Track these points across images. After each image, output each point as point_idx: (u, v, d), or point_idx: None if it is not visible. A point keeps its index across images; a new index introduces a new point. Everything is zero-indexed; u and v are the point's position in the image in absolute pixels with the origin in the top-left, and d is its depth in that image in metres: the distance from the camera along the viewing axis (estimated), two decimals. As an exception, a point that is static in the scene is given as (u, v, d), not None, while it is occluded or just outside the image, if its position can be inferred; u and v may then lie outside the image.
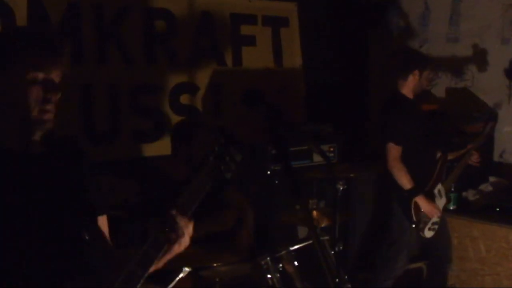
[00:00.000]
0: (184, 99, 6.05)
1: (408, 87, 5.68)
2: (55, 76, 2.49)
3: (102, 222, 2.76)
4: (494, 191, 6.53)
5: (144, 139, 5.78)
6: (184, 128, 5.04)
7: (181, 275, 3.76)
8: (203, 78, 6.18)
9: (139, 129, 5.75)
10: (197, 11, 6.12)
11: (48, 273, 2.41)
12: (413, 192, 5.60)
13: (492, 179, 6.59)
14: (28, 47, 2.44)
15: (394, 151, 5.55)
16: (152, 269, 2.43)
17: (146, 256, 2.41)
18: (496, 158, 6.68)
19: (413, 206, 5.62)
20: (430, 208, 5.63)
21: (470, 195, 6.58)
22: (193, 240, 3.74)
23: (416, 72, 5.64)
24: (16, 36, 2.53)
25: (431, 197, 5.72)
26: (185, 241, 2.51)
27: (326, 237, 4.63)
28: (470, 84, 6.90)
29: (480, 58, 6.80)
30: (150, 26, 5.82)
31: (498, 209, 6.30)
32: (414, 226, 5.66)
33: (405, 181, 5.58)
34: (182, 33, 6.01)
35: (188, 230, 2.50)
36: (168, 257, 2.53)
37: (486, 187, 6.57)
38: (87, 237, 2.54)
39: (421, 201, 5.62)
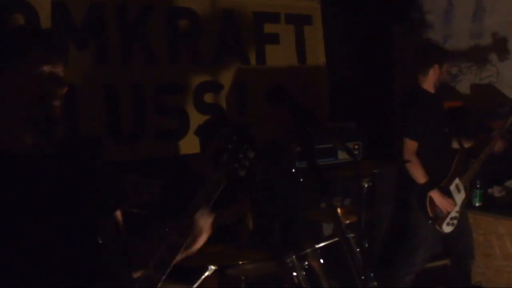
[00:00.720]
0: (208, 98, 6.06)
1: (429, 81, 5.69)
2: (60, 70, 2.50)
3: (118, 217, 2.78)
4: (520, 187, 6.51)
5: (168, 138, 5.80)
6: (210, 126, 5.06)
7: (206, 274, 3.78)
8: (227, 76, 6.19)
9: (163, 129, 5.76)
10: (220, 10, 6.13)
11: (63, 274, 2.42)
12: (427, 186, 5.61)
13: (517, 175, 6.56)
14: (32, 43, 2.46)
15: (410, 145, 5.58)
16: (170, 268, 2.45)
17: (162, 261, 2.43)
18: (521, 154, 6.64)
19: (428, 201, 5.62)
20: (444, 203, 5.63)
21: (496, 191, 6.54)
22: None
23: (436, 66, 5.65)
24: (19, 34, 2.54)
25: (447, 192, 5.70)
26: (202, 239, 2.54)
27: (352, 235, 4.62)
28: (495, 80, 6.86)
29: (504, 53, 6.76)
30: (174, 25, 5.83)
31: (524, 205, 6.28)
32: (430, 221, 5.66)
33: (419, 175, 5.60)
34: (205, 32, 6.02)
35: (206, 227, 2.52)
36: (186, 253, 2.54)
37: (511, 183, 6.54)
38: (100, 241, 2.56)
39: (435, 195, 5.63)
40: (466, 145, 5.95)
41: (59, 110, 2.50)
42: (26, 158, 2.46)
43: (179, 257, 2.48)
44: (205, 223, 2.54)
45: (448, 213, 5.67)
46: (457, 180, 5.79)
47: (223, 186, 2.53)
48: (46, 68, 2.45)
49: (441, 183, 5.71)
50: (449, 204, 5.65)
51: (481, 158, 5.86)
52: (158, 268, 2.42)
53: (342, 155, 6.03)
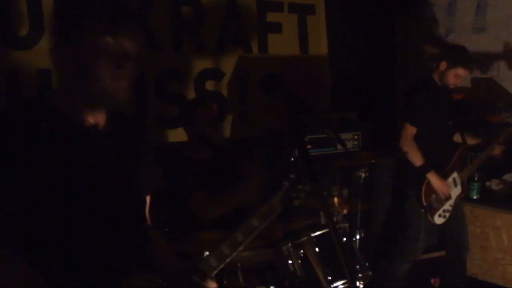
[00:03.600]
0: (209, 85, 6.08)
1: (437, 74, 5.70)
2: (128, 44, 2.49)
3: (147, 201, 2.84)
4: (517, 181, 6.53)
5: (169, 125, 5.81)
6: (189, 108, 5.08)
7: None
8: (228, 64, 6.20)
9: (164, 115, 5.78)
10: (223, -2, 6.14)
11: (101, 246, 2.49)
12: (424, 168, 5.62)
13: (516, 169, 6.58)
14: (95, 13, 2.46)
15: (408, 130, 5.62)
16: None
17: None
18: (521, 147, 6.65)
19: (424, 188, 5.65)
20: (441, 185, 5.66)
21: (494, 184, 6.57)
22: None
23: (444, 63, 5.64)
24: (82, 4, 2.54)
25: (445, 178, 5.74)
26: None
27: (346, 224, 4.64)
28: (496, 74, 6.87)
29: (506, 48, 6.77)
30: (177, 12, 5.83)
31: (521, 199, 6.31)
32: (422, 210, 5.69)
33: (416, 158, 5.62)
34: (208, 20, 6.02)
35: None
36: None
37: (509, 177, 6.56)
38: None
39: (433, 177, 5.65)
40: (470, 141, 5.97)
41: (126, 82, 2.49)
42: (83, 127, 2.50)
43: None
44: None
45: (442, 203, 5.69)
46: (455, 174, 5.81)
47: (278, 212, 2.59)
48: (110, 40, 2.43)
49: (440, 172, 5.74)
50: (446, 187, 5.68)
51: (481, 158, 5.90)
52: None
53: (342, 145, 6.05)
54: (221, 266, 2.60)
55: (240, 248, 2.61)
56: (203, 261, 2.54)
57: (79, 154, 2.46)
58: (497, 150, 5.90)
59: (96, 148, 2.52)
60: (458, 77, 5.68)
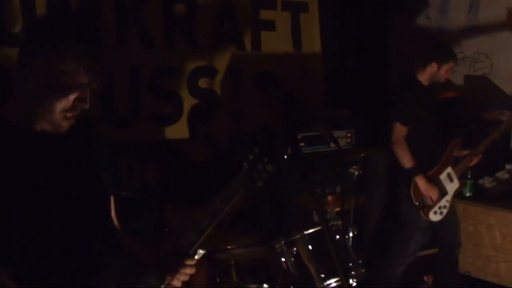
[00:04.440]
0: (202, 82, 6.07)
1: (425, 75, 5.71)
2: (91, 76, 2.48)
3: (111, 203, 2.83)
4: (510, 178, 6.52)
5: (162, 122, 5.82)
6: (201, 110, 5.08)
7: (196, 257, 3.79)
8: (222, 62, 6.20)
9: (157, 112, 5.78)
10: (217, -5, 6.14)
11: (61, 251, 2.48)
12: (412, 171, 5.63)
13: (508, 166, 6.57)
14: (80, 51, 2.44)
15: (398, 130, 5.63)
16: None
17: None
18: (513, 145, 6.67)
19: (412, 187, 5.66)
20: (428, 189, 5.66)
21: (487, 182, 6.57)
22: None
23: (434, 65, 5.66)
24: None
25: (434, 181, 5.73)
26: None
27: (339, 222, 4.65)
28: (488, 72, 6.88)
29: (498, 46, 6.78)
30: (170, 9, 5.83)
31: (514, 196, 6.31)
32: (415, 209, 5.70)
33: (405, 160, 5.63)
34: (201, 17, 6.02)
35: (188, 272, 2.58)
36: None
37: (502, 175, 6.56)
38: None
39: (420, 181, 5.65)
40: (460, 137, 5.97)
41: (70, 122, 2.52)
42: (39, 136, 2.49)
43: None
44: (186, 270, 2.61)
45: (436, 201, 5.70)
46: (449, 169, 5.80)
47: (240, 193, 2.57)
48: (83, 80, 2.44)
49: (429, 171, 5.74)
50: (433, 191, 5.67)
51: (476, 152, 5.87)
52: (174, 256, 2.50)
53: (335, 143, 6.05)
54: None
55: (207, 233, 2.60)
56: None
57: (38, 162, 2.48)
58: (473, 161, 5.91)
59: (54, 154, 2.53)
60: (450, 70, 5.79)
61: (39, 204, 2.44)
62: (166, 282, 2.54)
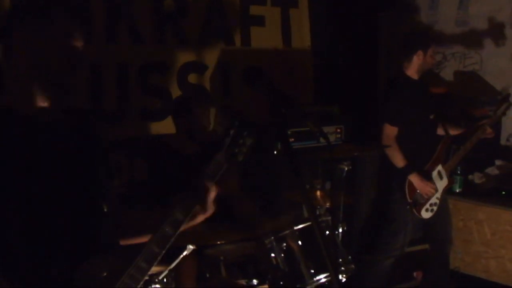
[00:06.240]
0: (192, 78, 6.06)
1: (413, 68, 5.72)
2: (81, 45, 2.52)
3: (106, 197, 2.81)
4: (500, 175, 6.55)
5: (152, 118, 5.80)
6: (182, 103, 5.06)
7: (185, 253, 3.78)
8: (211, 57, 6.19)
9: (146, 108, 5.77)
10: (206, -9, 6.12)
11: (59, 241, 2.47)
12: (406, 170, 5.64)
13: (498, 162, 6.61)
14: (60, 13, 2.48)
15: (388, 130, 5.62)
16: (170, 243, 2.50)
17: (175, 221, 2.46)
18: (502, 141, 6.67)
19: (407, 186, 5.66)
20: (424, 186, 5.66)
21: (476, 178, 6.60)
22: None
23: (420, 52, 5.67)
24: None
25: (428, 177, 5.73)
26: (210, 209, 2.56)
27: (329, 218, 4.64)
28: (478, 68, 6.90)
29: (488, 42, 6.79)
30: (160, 4, 5.82)
31: (503, 192, 6.33)
32: (408, 206, 5.69)
33: (397, 159, 5.64)
34: (191, 12, 6.01)
35: (209, 203, 2.55)
36: (191, 224, 2.57)
37: (492, 171, 6.59)
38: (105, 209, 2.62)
39: (415, 179, 5.66)
40: (452, 132, 5.97)
41: (75, 79, 2.55)
42: (33, 120, 2.48)
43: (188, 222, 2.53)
44: (209, 199, 2.56)
45: (428, 198, 5.70)
46: (439, 167, 5.81)
47: (225, 168, 2.55)
48: (69, 42, 2.47)
49: (422, 168, 5.73)
50: (429, 187, 5.67)
51: (467, 146, 5.84)
52: (159, 244, 2.45)
53: (324, 138, 6.04)
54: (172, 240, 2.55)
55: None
56: (146, 245, 2.49)
57: (36, 150, 2.46)
58: (486, 134, 5.86)
59: (52, 143, 2.52)
60: (435, 54, 5.85)
61: (32, 194, 2.42)
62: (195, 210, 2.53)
